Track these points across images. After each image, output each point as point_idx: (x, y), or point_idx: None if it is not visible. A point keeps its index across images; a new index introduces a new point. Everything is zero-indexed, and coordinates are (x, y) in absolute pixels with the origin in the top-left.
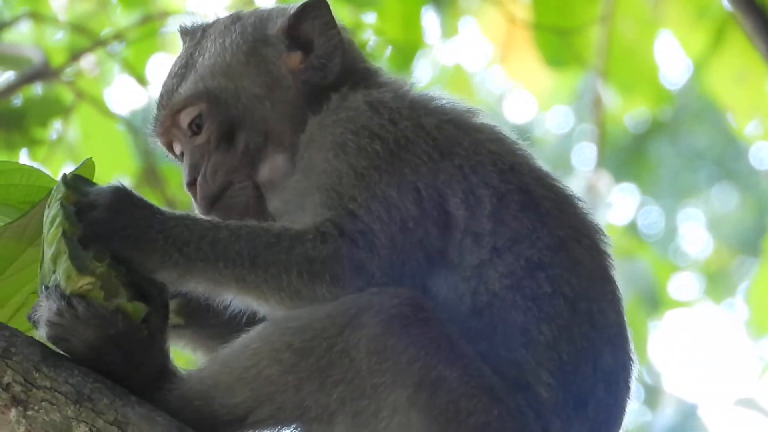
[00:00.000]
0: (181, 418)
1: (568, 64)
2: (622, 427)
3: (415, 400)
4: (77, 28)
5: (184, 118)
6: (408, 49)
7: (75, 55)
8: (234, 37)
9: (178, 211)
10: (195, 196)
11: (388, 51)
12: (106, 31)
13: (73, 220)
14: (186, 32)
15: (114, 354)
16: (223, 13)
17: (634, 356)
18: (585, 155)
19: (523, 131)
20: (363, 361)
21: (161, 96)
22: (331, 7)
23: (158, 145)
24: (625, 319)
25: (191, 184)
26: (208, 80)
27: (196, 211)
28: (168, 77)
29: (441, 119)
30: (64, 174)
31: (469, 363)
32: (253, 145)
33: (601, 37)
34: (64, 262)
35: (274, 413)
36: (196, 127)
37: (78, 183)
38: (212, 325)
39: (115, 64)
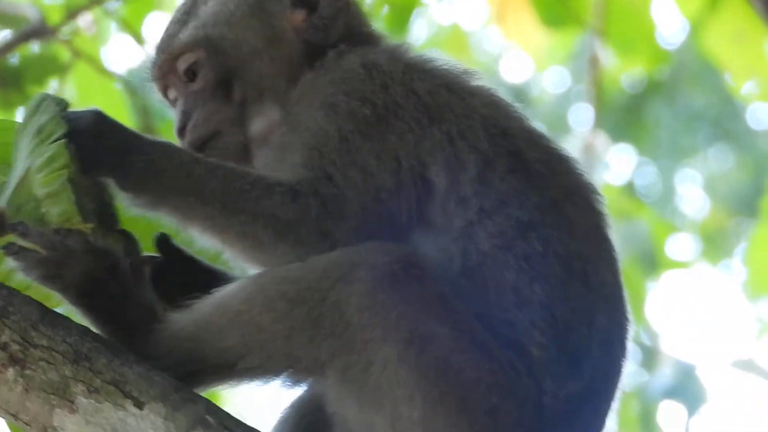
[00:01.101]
0: (170, 360)
1: (565, 24)
2: (618, 387)
3: (404, 356)
4: None
5: (181, 64)
6: (404, 7)
7: (72, 14)
8: None
9: (159, 139)
10: (183, 142)
11: (385, 9)
12: None
13: (76, 162)
14: None
15: (110, 287)
16: None
17: (630, 316)
18: (582, 116)
19: (520, 91)
20: (353, 316)
21: (161, 40)
22: None
23: (154, 90)
24: (621, 278)
25: (182, 130)
26: (209, 28)
27: None
28: (170, 23)
29: (434, 83)
30: (62, 101)
31: (460, 320)
32: (248, 98)
33: None
34: (62, 204)
35: (263, 362)
36: (191, 73)
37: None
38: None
39: (112, 23)
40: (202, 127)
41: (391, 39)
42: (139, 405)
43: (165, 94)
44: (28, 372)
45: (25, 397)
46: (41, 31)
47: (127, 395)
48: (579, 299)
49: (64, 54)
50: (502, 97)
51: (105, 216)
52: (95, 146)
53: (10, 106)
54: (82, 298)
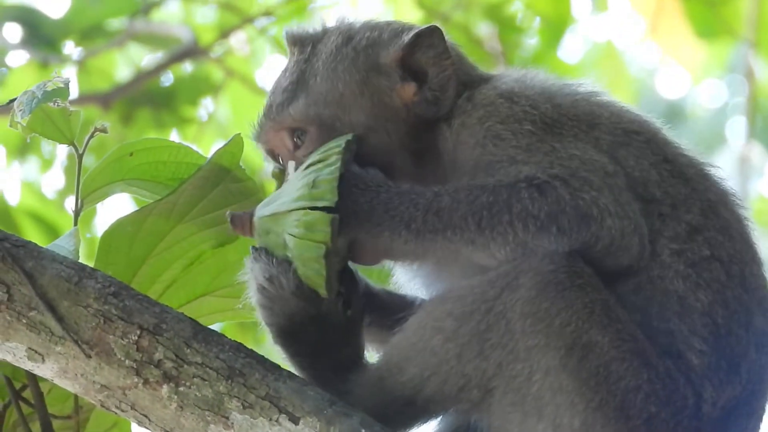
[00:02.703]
0: (367, 407)
1: (719, 35)
2: None
3: (566, 363)
4: (226, 5)
5: (290, 134)
6: (557, 23)
7: (224, 33)
8: (347, 64)
9: (400, 187)
10: None
11: (537, 24)
12: (255, 9)
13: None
14: (294, 41)
15: (311, 333)
16: (333, 21)
17: None
18: (739, 129)
19: (676, 107)
20: (518, 323)
21: (269, 106)
22: (444, 34)
23: (259, 147)
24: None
25: None
26: (320, 107)
27: None
28: (277, 88)
29: (572, 97)
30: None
31: (621, 328)
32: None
33: (751, 7)
34: (311, 270)
35: (440, 387)
36: (299, 141)
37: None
38: (393, 322)
39: (264, 42)
40: None
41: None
42: (294, 420)
43: (271, 154)
44: (182, 389)
45: (180, 413)
46: (193, 51)
47: (281, 410)
48: (738, 303)
49: (216, 74)
50: (633, 108)
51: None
52: (353, 211)
53: (163, 127)
54: (283, 337)
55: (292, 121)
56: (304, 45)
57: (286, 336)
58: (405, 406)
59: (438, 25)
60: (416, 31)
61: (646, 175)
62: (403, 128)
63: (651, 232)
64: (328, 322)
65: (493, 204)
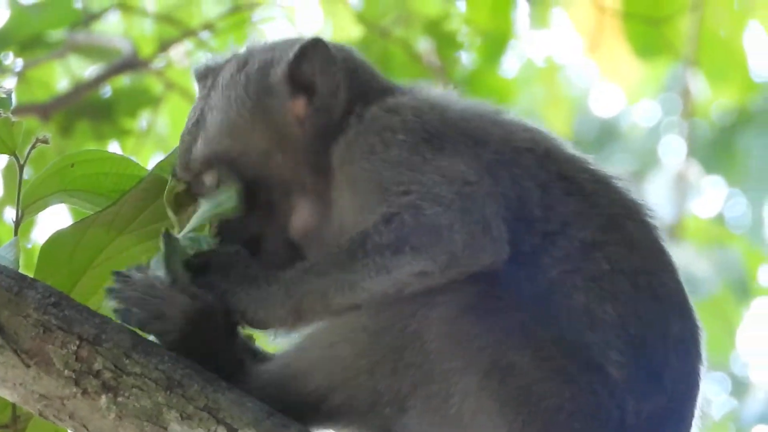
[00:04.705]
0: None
1: (659, 54)
2: (700, 394)
3: (485, 386)
4: (166, 18)
5: (207, 179)
6: (498, 39)
7: (164, 46)
8: (238, 91)
9: (275, 272)
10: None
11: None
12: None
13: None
14: (200, 77)
15: (206, 332)
16: (240, 50)
17: (699, 323)
18: (672, 148)
19: (610, 125)
20: (434, 344)
21: (180, 153)
22: (327, 45)
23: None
24: (685, 288)
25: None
26: (215, 143)
27: None
28: (184, 133)
29: (464, 112)
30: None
31: (541, 347)
32: (274, 198)
33: (691, 27)
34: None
35: (347, 400)
36: (216, 183)
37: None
38: None
39: (204, 55)
40: (242, 233)
41: (412, 84)
42: (232, 431)
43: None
44: (121, 399)
45: (119, 423)
46: (133, 63)
47: (220, 421)
48: (650, 313)
49: (156, 86)
50: (536, 125)
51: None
52: (226, 291)
53: (102, 138)
54: (184, 340)
55: (199, 165)
56: (206, 79)
57: (185, 338)
58: (308, 411)
59: (321, 38)
60: (300, 44)
61: (525, 195)
62: (301, 145)
63: (533, 249)
64: (212, 317)
65: (349, 251)
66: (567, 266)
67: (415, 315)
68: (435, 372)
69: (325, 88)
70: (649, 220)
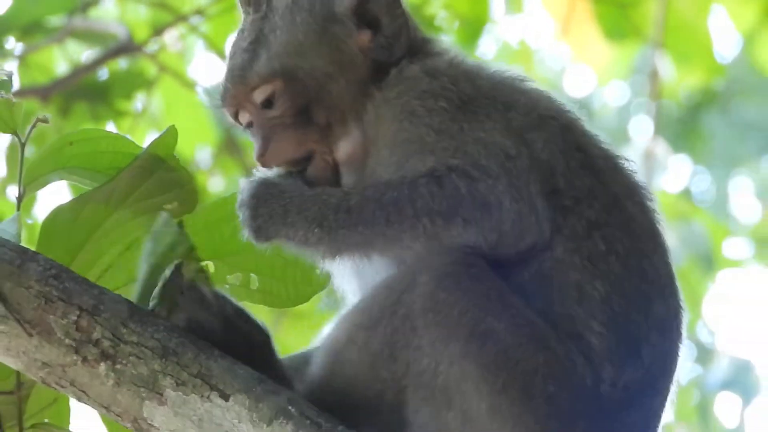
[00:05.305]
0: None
1: (628, 37)
2: (676, 372)
3: (467, 351)
4: (159, 4)
5: (258, 95)
6: (474, 23)
7: (158, 31)
8: (304, 15)
9: (313, 190)
10: (266, 166)
11: (456, 25)
12: (187, 8)
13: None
14: (248, 1)
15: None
16: None
17: (684, 305)
18: (641, 127)
19: (582, 105)
20: (420, 320)
21: (231, 70)
22: None
23: (224, 113)
24: (674, 270)
25: (263, 155)
26: (284, 59)
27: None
28: (237, 50)
29: (495, 81)
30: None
31: (517, 314)
32: (332, 120)
33: (658, 11)
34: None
35: (362, 395)
36: (268, 102)
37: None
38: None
39: (196, 39)
40: (294, 151)
41: (443, 42)
42: (225, 397)
43: (236, 118)
44: (118, 366)
45: (116, 390)
46: (128, 47)
47: (213, 387)
48: (636, 292)
49: (150, 69)
50: (557, 97)
51: None
52: (251, 217)
53: (99, 120)
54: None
55: (258, 79)
56: (259, 3)
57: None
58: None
59: None
60: None
61: (554, 161)
62: (359, 74)
63: (552, 224)
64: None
65: (397, 200)
66: (571, 245)
67: (400, 299)
68: (423, 346)
69: (390, 28)
70: (648, 203)
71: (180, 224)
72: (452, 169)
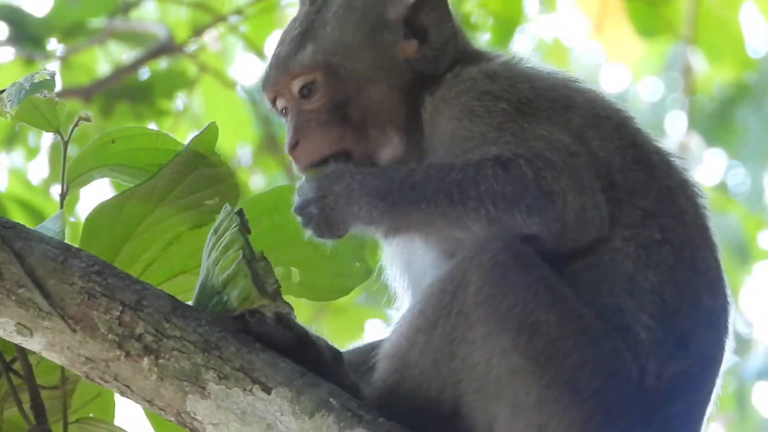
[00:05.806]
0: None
1: (659, 34)
2: (722, 366)
3: (517, 344)
4: (199, 5)
5: (297, 83)
6: (509, 22)
7: (197, 31)
8: (357, 16)
9: (374, 168)
10: (295, 159)
11: (490, 23)
12: (226, 8)
13: (251, 246)
14: None
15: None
16: None
17: (731, 299)
18: (676, 123)
19: (618, 100)
20: (473, 315)
21: (276, 56)
22: (447, 1)
23: (263, 97)
24: (722, 264)
25: (294, 146)
26: (329, 54)
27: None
28: (286, 38)
29: (551, 82)
30: (240, 209)
31: (566, 307)
32: (368, 123)
33: (689, 7)
34: (240, 285)
35: (427, 395)
36: (306, 92)
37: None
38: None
39: (236, 39)
40: (327, 148)
41: (494, 51)
42: (267, 390)
43: (274, 103)
44: (161, 361)
45: (160, 384)
46: (169, 47)
47: (255, 381)
48: (687, 284)
49: (190, 69)
50: (605, 93)
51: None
52: (322, 210)
53: (140, 119)
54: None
55: (300, 68)
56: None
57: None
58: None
59: None
60: None
61: (610, 157)
62: (402, 82)
63: (610, 218)
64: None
65: (461, 181)
66: (627, 233)
67: (455, 298)
68: (477, 340)
69: (437, 41)
70: (698, 198)
71: (240, 213)
72: (518, 156)
